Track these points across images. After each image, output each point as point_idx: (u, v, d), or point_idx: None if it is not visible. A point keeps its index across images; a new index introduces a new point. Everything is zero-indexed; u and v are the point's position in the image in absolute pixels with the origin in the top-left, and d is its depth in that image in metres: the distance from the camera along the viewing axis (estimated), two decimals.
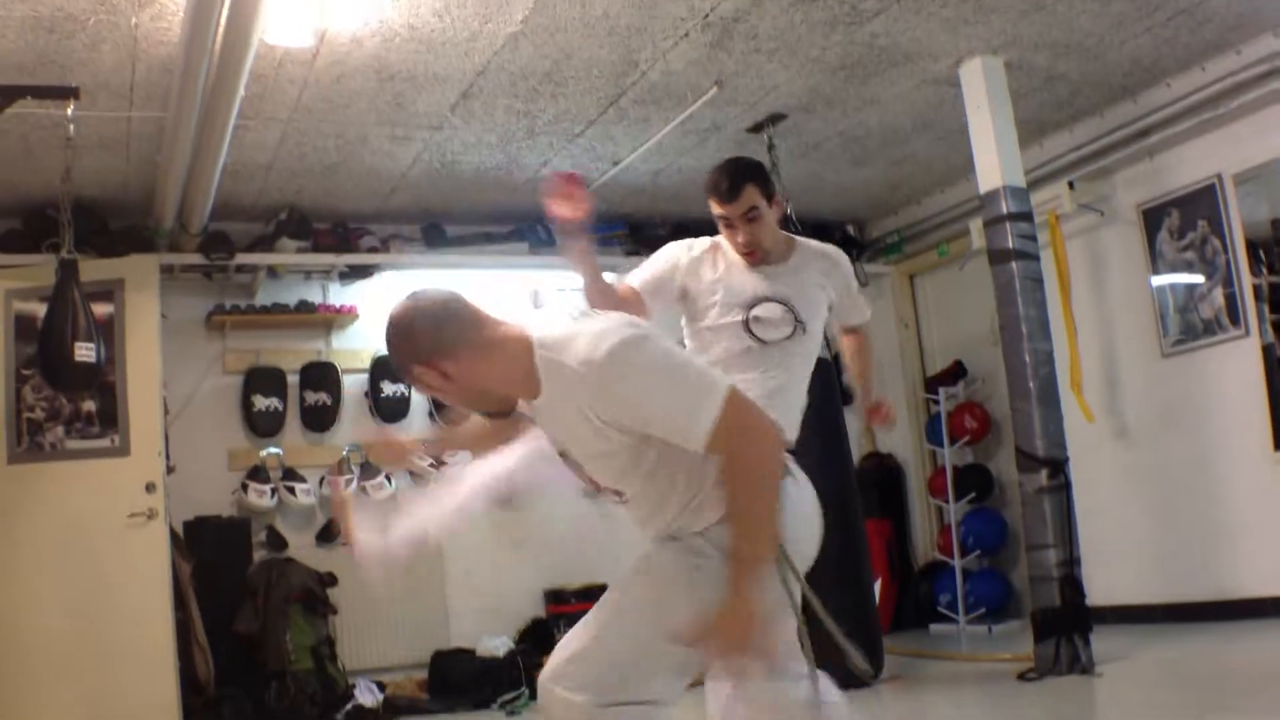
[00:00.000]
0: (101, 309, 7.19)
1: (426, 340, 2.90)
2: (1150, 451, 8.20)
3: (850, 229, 10.73)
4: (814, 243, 4.58)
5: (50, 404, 7.29)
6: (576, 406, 2.80)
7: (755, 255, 4.34)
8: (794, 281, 4.39)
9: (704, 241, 4.47)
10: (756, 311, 4.32)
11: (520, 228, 9.34)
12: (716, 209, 4.34)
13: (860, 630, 6.98)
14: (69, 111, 6.13)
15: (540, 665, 8.09)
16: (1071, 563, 6.73)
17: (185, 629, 7.36)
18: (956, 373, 10.02)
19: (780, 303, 4.34)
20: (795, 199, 8.05)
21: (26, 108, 6.24)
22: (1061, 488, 6.80)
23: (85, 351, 6.10)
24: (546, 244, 9.30)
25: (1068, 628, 6.62)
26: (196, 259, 8.21)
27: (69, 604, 6.85)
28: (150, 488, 7.24)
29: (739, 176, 4.32)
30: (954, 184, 9.43)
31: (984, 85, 7.08)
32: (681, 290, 4.43)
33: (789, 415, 4.28)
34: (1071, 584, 6.70)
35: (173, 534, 7.47)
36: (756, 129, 7.94)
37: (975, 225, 8.28)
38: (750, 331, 4.33)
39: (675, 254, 4.48)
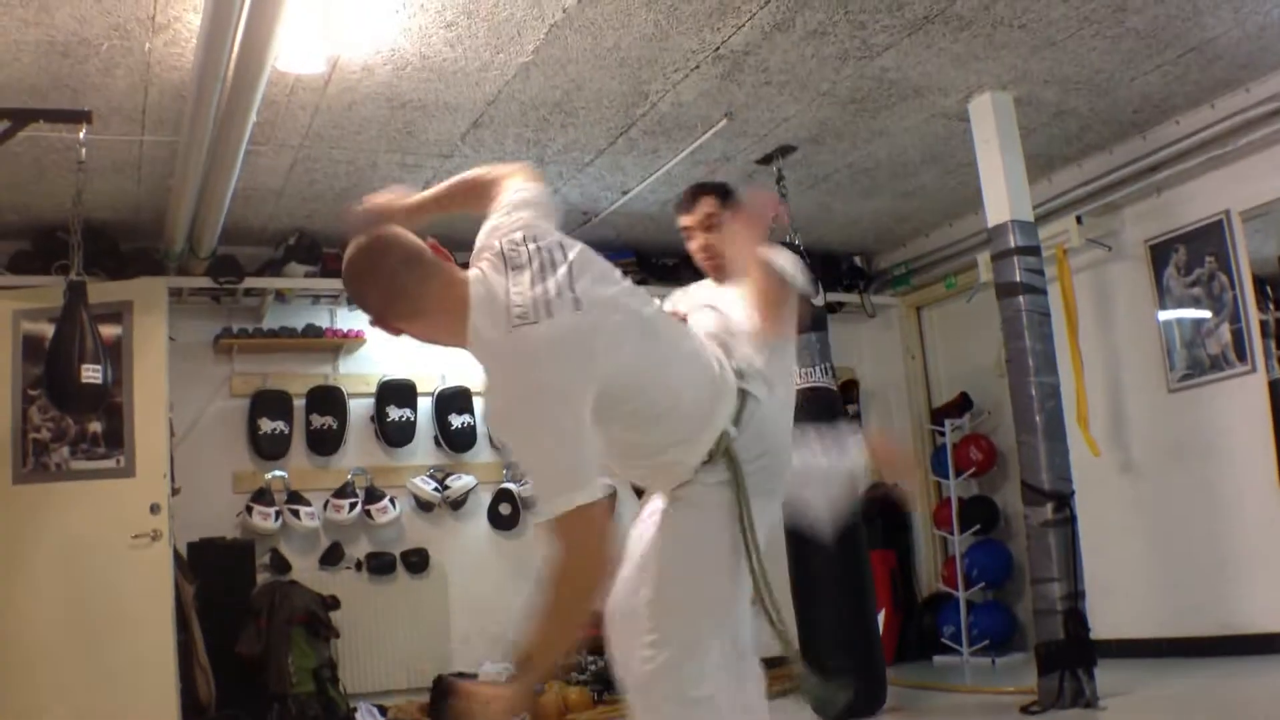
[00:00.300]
0: (110, 330, 7.21)
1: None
2: (1156, 486, 8.19)
3: (858, 260, 10.75)
4: None
5: (56, 425, 7.29)
6: None
7: (716, 262, 4.36)
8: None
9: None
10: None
11: None
12: (680, 222, 4.46)
13: (864, 661, 7.00)
14: (81, 135, 6.12)
15: (541, 691, 8.09)
16: (1076, 596, 6.71)
17: (187, 650, 7.36)
18: (962, 405, 10.02)
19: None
20: (803, 230, 8.06)
21: (39, 131, 6.24)
22: (1067, 521, 6.79)
23: (92, 373, 6.10)
24: None
25: (1072, 661, 6.60)
26: (205, 282, 8.23)
27: (72, 623, 6.85)
28: (155, 509, 7.23)
29: (697, 189, 4.48)
30: (962, 217, 9.46)
31: (993, 120, 7.11)
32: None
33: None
34: (1076, 618, 6.68)
35: (176, 555, 7.47)
36: (766, 160, 7.96)
37: (983, 259, 8.28)
38: None
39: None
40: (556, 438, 2.71)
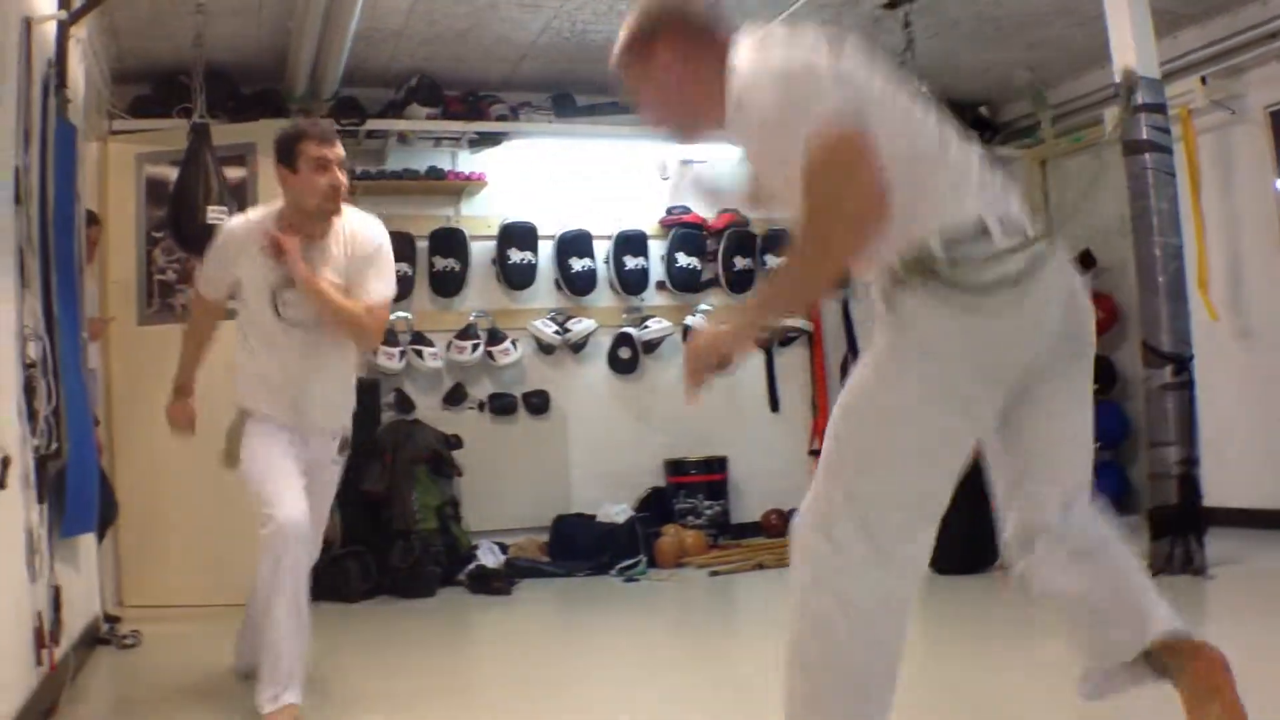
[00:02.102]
0: (234, 173, 7.23)
1: None
2: (1273, 354, 8.02)
3: (983, 110, 10.51)
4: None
5: (181, 266, 7.36)
6: None
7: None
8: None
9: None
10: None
11: None
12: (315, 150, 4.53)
13: (975, 518, 6.97)
14: None
15: (659, 534, 8.20)
16: (1191, 462, 6.61)
17: None
18: (1085, 261, 9.81)
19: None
20: (929, 78, 7.87)
21: None
22: (1185, 385, 6.65)
23: (217, 215, 6.14)
24: None
25: (1184, 528, 6.52)
26: (329, 124, 8.20)
27: (199, 464, 7.00)
28: None
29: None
30: (1089, 71, 9.12)
31: None
32: None
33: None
34: (1190, 483, 6.59)
35: None
36: (893, 5, 7.77)
37: (1110, 114, 8.05)
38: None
39: None
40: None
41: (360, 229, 4.69)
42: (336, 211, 4.59)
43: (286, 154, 4.48)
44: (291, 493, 4.38)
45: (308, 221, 4.55)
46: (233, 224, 4.80)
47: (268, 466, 4.49)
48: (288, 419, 4.62)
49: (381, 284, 4.63)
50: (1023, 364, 2.68)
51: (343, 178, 4.56)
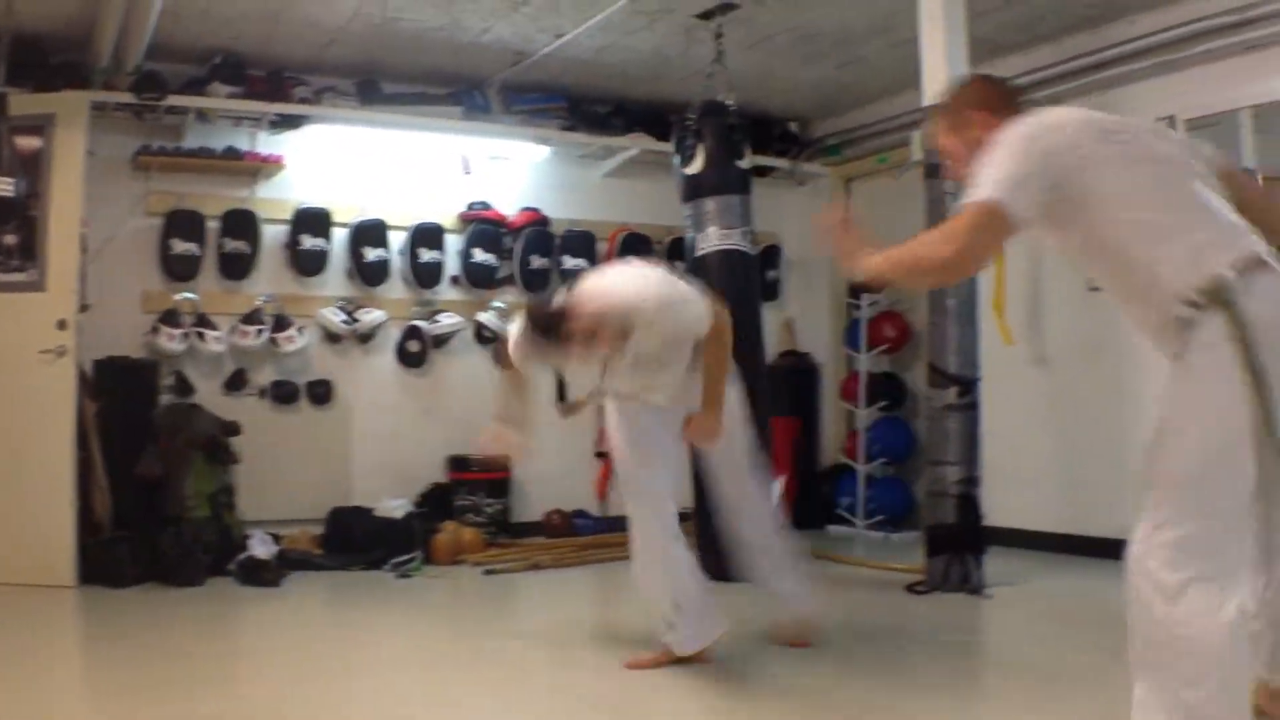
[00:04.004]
0: (30, 143, 7.07)
1: None
2: (1067, 382, 8.30)
3: (793, 126, 10.68)
4: None
5: None
6: None
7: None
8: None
9: None
10: None
11: (457, 92, 9.21)
12: None
13: None
14: None
15: (436, 531, 8.16)
16: (970, 481, 6.82)
17: (87, 468, 7.31)
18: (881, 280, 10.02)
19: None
20: (740, 92, 7.95)
21: None
22: (970, 407, 6.84)
23: (5, 186, 5.98)
24: (481, 110, 9.20)
25: (961, 546, 6.73)
26: (129, 98, 7.97)
27: None
28: (62, 324, 7.11)
29: None
30: (901, 93, 9.30)
31: None
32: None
33: None
34: (968, 503, 6.80)
35: (81, 373, 7.37)
36: (706, 16, 7.81)
37: (917, 137, 8.21)
38: None
39: None
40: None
41: None
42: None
43: None
44: None
45: None
46: None
47: None
48: None
49: None
50: None
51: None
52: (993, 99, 3.61)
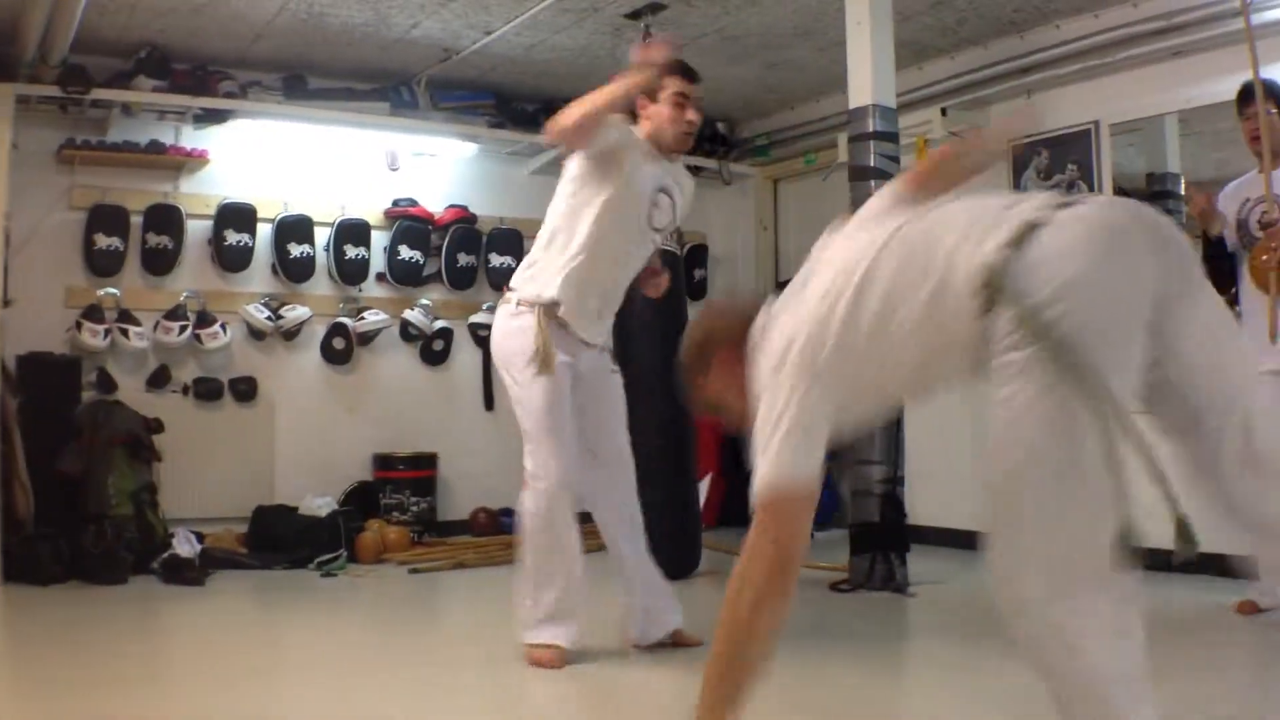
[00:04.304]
0: None
1: None
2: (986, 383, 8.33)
3: (720, 126, 10.72)
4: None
5: None
6: None
7: (690, 140, 4.91)
8: (682, 184, 5.06)
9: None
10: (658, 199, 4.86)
11: (384, 88, 9.18)
12: (679, 85, 4.82)
13: (679, 524, 7.09)
14: None
15: (361, 529, 8.12)
16: (894, 481, 6.87)
17: (8, 465, 7.21)
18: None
19: (669, 197, 4.93)
20: None
21: None
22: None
23: None
24: (409, 107, 9.17)
25: (884, 545, 6.77)
26: (54, 91, 7.91)
27: None
28: None
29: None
30: (829, 95, 9.37)
31: (868, 2, 7.01)
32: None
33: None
34: (892, 502, 6.84)
35: (3, 368, 7.30)
36: (634, 15, 7.84)
37: (843, 139, 8.26)
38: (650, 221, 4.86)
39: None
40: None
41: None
42: (687, 147, 4.99)
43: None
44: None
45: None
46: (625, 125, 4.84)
47: None
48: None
49: None
50: None
51: (698, 117, 4.92)
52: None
